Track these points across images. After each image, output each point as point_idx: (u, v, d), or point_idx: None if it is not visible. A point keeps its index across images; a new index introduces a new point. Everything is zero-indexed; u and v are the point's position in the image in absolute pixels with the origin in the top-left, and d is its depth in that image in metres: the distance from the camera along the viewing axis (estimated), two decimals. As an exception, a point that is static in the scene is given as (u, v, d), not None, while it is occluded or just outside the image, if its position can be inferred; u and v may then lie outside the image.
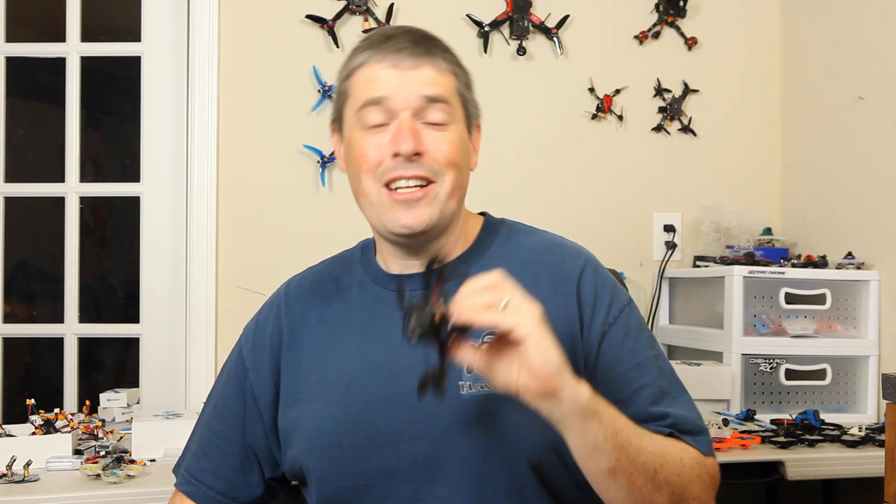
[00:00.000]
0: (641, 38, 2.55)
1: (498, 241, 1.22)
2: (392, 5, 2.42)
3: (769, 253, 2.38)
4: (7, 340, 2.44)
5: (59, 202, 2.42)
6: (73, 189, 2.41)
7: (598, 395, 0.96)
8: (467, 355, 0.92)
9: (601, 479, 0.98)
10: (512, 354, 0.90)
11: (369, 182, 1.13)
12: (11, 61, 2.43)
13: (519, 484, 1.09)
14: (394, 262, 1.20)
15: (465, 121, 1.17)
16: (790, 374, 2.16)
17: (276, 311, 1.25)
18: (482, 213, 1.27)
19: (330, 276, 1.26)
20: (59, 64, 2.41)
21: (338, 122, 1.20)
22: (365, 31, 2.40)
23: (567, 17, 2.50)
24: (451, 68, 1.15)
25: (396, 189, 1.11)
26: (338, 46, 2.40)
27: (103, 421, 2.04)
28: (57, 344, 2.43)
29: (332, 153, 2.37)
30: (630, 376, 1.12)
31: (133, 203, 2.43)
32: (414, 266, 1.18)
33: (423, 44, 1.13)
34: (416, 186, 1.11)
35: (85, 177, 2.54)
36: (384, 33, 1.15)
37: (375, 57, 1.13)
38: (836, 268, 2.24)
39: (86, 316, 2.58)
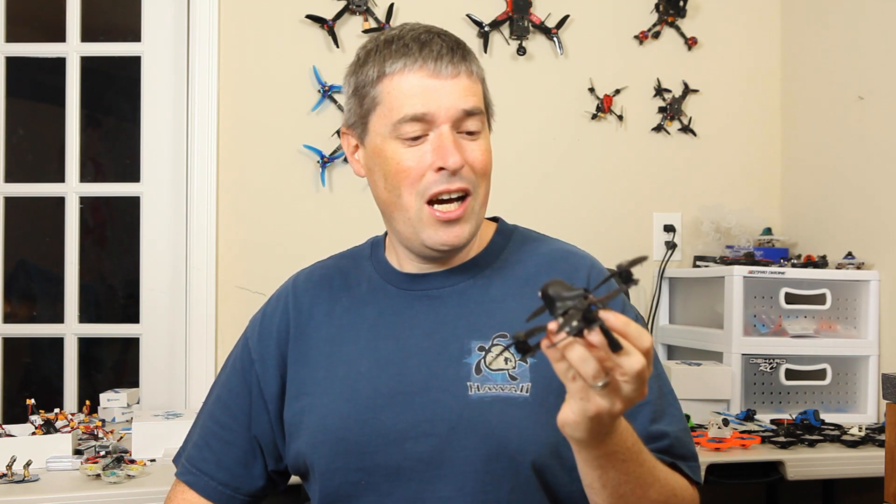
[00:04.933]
0: (641, 38, 2.55)
1: (511, 246, 1.22)
2: (392, 5, 2.42)
3: (769, 253, 2.38)
4: (7, 340, 2.44)
5: (59, 202, 2.42)
6: (73, 189, 2.41)
7: (614, 451, 0.93)
8: (552, 352, 0.83)
9: None
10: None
11: (410, 197, 1.11)
12: (11, 61, 2.43)
13: (522, 485, 1.09)
14: (409, 264, 1.20)
15: (488, 125, 1.18)
16: (790, 374, 2.16)
17: (283, 304, 1.25)
18: (494, 218, 1.28)
19: (338, 271, 1.26)
20: (59, 64, 2.41)
21: (358, 127, 1.17)
22: (365, 31, 2.40)
23: (567, 17, 2.50)
24: (479, 74, 1.16)
25: (437, 206, 1.11)
26: (338, 46, 2.40)
27: (103, 421, 2.04)
28: (57, 344, 2.43)
29: (333, 153, 2.38)
30: None
31: (133, 203, 2.44)
32: (429, 267, 1.19)
33: (459, 50, 1.13)
34: (457, 201, 1.11)
35: (85, 177, 2.54)
36: (417, 38, 1.12)
37: (413, 64, 1.10)
38: (836, 268, 2.24)
39: (86, 316, 2.58)
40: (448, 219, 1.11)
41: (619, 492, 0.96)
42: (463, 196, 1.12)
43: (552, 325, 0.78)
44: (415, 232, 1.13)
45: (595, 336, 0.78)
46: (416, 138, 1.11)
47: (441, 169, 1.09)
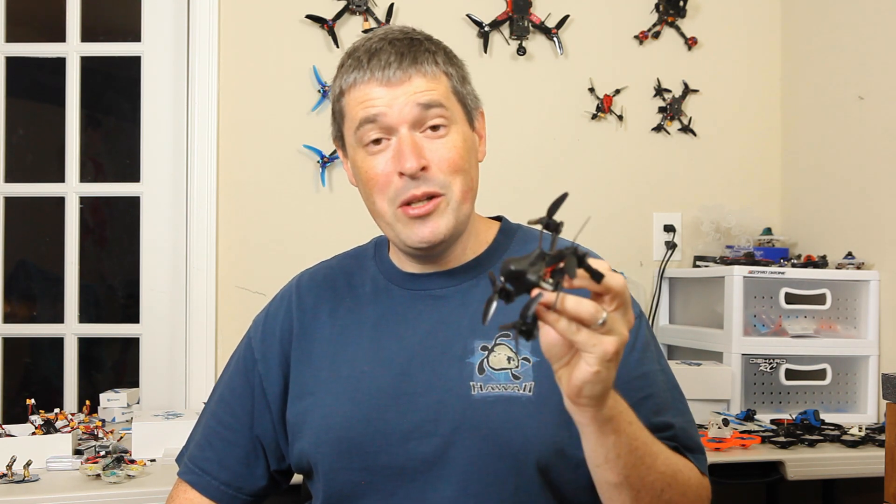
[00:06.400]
0: (641, 38, 2.55)
1: (514, 246, 1.22)
2: (392, 5, 2.42)
3: (769, 253, 2.38)
4: (7, 340, 2.45)
5: (59, 202, 2.42)
6: (73, 189, 2.41)
7: (621, 410, 0.93)
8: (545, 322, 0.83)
9: (606, 488, 0.99)
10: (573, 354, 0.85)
11: (383, 203, 1.13)
12: (11, 61, 2.43)
13: (526, 485, 1.09)
14: (409, 264, 1.21)
15: (465, 117, 1.17)
16: (790, 374, 2.16)
17: (287, 304, 1.25)
18: (498, 218, 1.27)
19: (342, 272, 1.26)
20: (59, 64, 2.41)
21: (339, 139, 1.21)
22: (365, 31, 2.40)
23: (567, 17, 2.50)
24: (442, 69, 1.14)
25: (409, 205, 1.11)
26: (338, 46, 2.40)
27: (103, 421, 2.04)
28: (57, 344, 2.43)
29: (333, 153, 2.39)
30: (635, 385, 1.11)
31: (133, 203, 2.44)
32: (429, 267, 1.19)
33: (409, 54, 1.12)
34: (427, 199, 1.11)
35: (85, 177, 2.55)
36: (368, 49, 1.14)
37: (363, 77, 1.12)
38: (836, 268, 2.24)
39: (86, 316, 2.58)
40: (420, 214, 1.11)
41: (631, 461, 0.95)
42: (432, 196, 1.12)
43: (537, 293, 0.79)
44: (396, 234, 1.14)
45: (578, 280, 0.81)
46: (377, 142, 1.12)
47: (402, 174, 1.10)
